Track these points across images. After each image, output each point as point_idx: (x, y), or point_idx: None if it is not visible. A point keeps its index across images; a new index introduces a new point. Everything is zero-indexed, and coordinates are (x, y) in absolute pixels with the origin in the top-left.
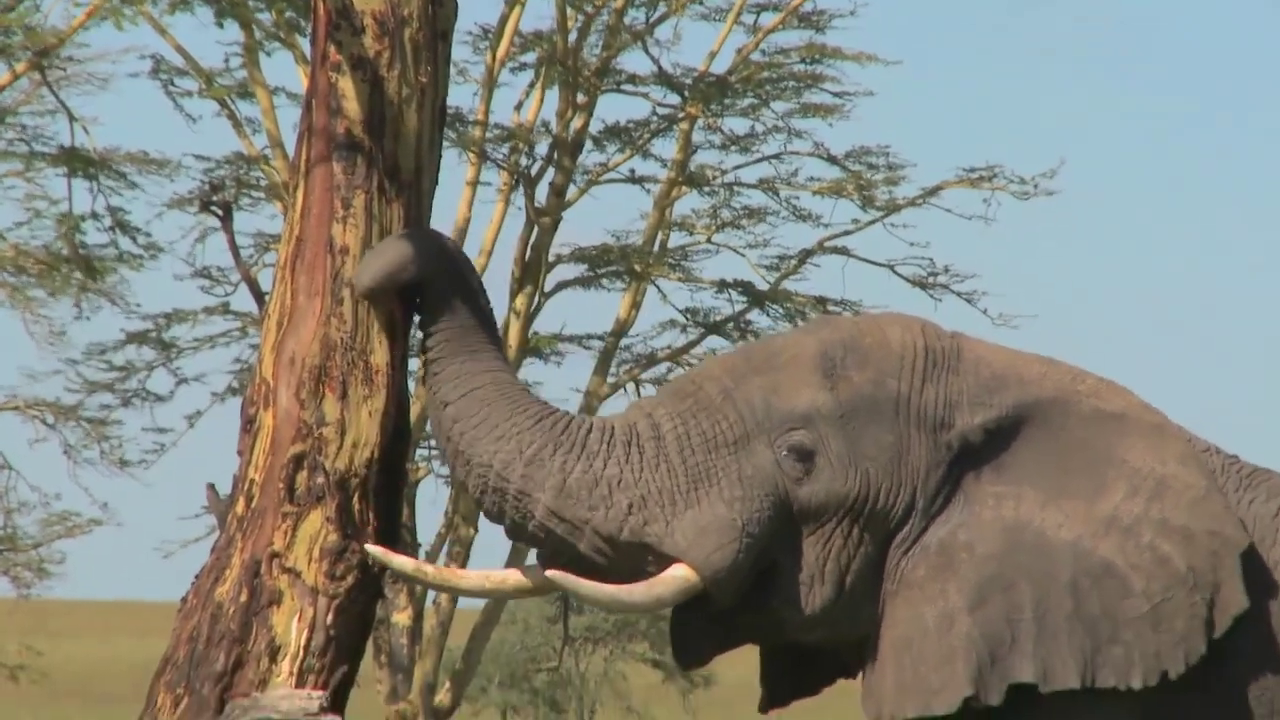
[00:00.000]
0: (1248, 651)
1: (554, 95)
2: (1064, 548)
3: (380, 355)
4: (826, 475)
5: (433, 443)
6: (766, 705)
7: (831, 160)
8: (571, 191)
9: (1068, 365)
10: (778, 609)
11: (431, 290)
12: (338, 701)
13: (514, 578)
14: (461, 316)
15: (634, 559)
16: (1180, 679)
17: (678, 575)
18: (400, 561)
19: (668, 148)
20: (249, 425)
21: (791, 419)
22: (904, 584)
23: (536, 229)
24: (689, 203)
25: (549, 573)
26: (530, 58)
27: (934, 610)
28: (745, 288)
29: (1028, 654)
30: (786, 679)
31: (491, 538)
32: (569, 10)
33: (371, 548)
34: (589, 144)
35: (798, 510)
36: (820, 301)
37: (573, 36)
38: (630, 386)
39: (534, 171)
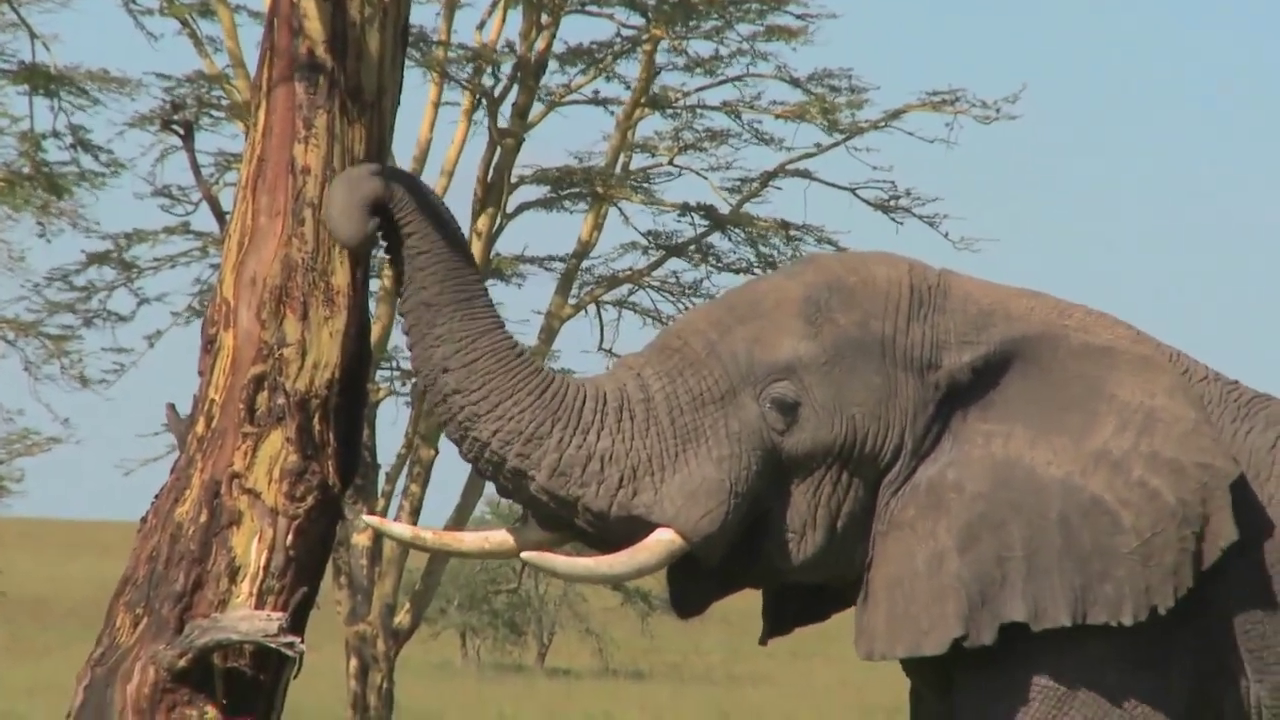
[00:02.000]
0: (1238, 583)
1: (517, 15)
2: (1053, 484)
3: (341, 276)
4: (812, 424)
5: (394, 364)
6: (767, 637)
7: (794, 83)
8: (534, 112)
9: (1055, 299)
10: (771, 557)
11: (402, 205)
12: (297, 622)
13: (512, 539)
14: (440, 240)
15: (626, 529)
16: (1170, 612)
17: (662, 540)
18: (398, 530)
19: (631, 69)
20: (209, 345)
21: (774, 370)
22: (894, 524)
23: (499, 150)
24: (651, 124)
25: (524, 555)
26: None
27: (924, 550)
28: (707, 211)
29: (1018, 592)
30: (790, 610)
31: (452, 459)
32: None
33: (369, 518)
34: (552, 65)
35: (786, 460)
36: (784, 225)
37: None
38: (591, 308)
39: (497, 92)
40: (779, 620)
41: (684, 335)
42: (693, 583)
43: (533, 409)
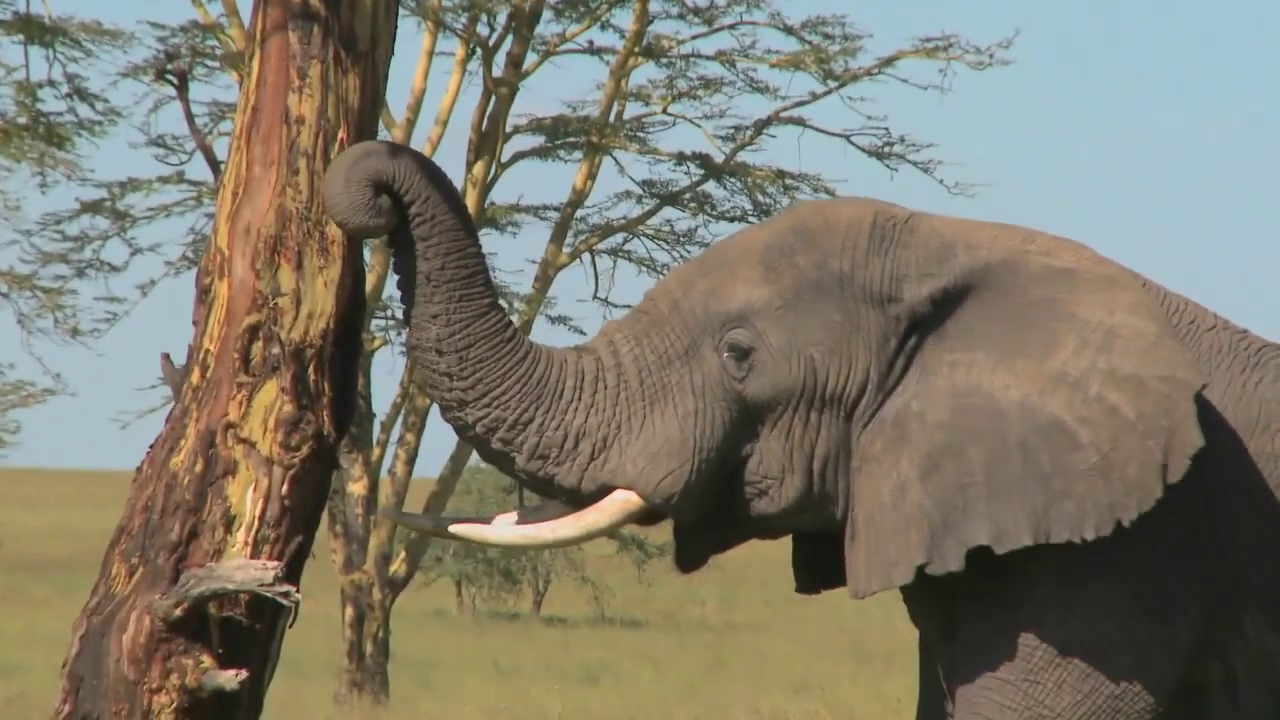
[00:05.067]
0: (1253, 535)
1: None
2: (1011, 408)
3: (336, 226)
4: (770, 368)
5: (389, 313)
6: (803, 589)
7: (788, 31)
8: (529, 62)
9: (1021, 228)
10: (753, 505)
11: (407, 177)
12: (293, 572)
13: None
14: (445, 211)
15: (600, 499)
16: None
17: (616, 500)
18: (419, 522)
19: (625, 18)
20: (204, 295)
21: (728, 318)
22: (865, 459)
23: (494, 99)
24: (645, 73)
25: (452, 528)
26: None
27: (889, 483)
28: (703, 160)
29: (980, 516)
30: (823, 561)
31: None
32: None
33: (393, 512)
34: (546, 14)
35: (751, 407)
36: (780, 175)
37: None
38: (586, 257)
39: (492, 41)
40: (813, 570)
41: (653, 297)
42: (692, 537)
43: (519, 396)
